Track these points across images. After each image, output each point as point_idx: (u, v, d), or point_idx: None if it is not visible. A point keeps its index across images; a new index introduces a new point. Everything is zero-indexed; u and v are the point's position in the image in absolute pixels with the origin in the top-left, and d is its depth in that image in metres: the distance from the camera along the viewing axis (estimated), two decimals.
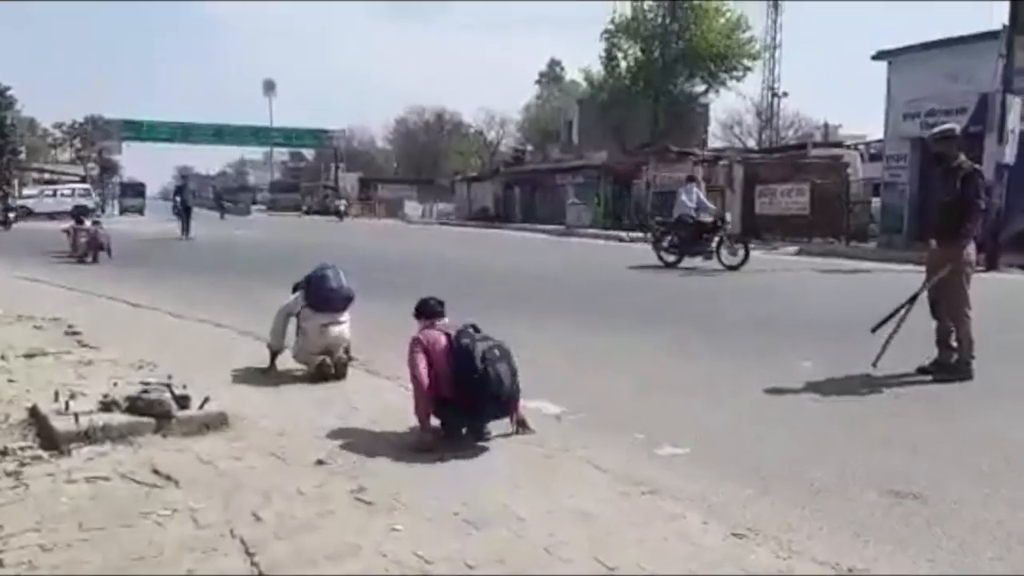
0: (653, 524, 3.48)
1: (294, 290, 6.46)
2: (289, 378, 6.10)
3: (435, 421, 4.62)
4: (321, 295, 6.20)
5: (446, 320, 4.90)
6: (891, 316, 6.60)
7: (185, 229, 25.08)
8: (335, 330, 6.17)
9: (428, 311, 4.93)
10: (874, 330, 6.51)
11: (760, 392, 6.04)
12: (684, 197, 17.31)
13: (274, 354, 6.35)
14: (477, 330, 4.70)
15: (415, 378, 4.58)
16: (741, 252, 16.28)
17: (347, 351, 6.29)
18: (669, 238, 17.25)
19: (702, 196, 18.03)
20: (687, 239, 16.74)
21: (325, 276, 6.26)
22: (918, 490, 4.03)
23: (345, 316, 6.29)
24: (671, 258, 16.99)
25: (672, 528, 3.44)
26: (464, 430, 4.66)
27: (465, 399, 4.52)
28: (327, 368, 6.02)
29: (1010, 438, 4.98)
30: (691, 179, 18.89)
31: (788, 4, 58.23)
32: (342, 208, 50.38)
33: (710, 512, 3.67)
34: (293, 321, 6.31)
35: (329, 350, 6.11)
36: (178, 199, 26.32)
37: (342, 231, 34.02)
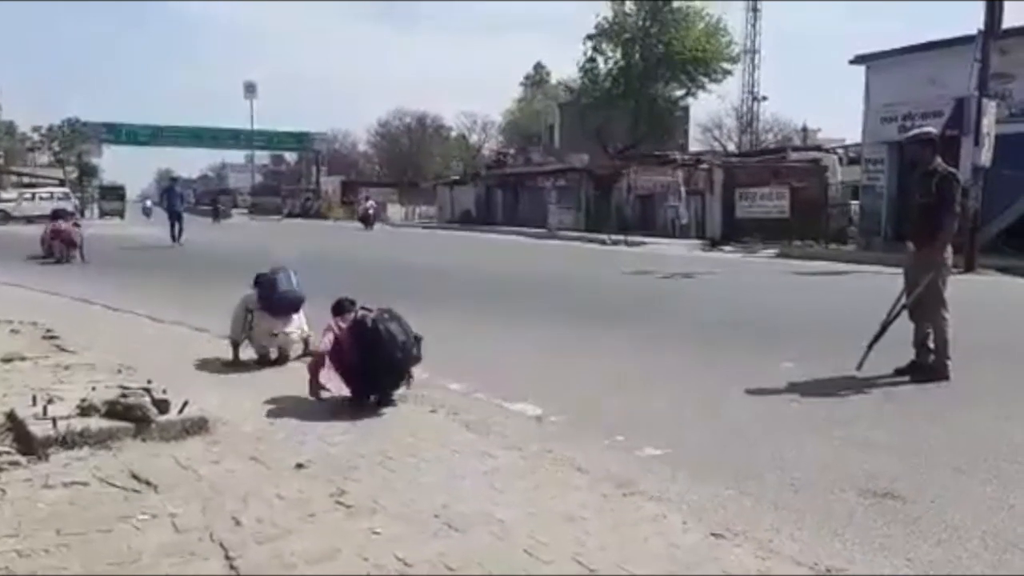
0: (634, 525, 3.49)
1: (255, 282, 6.79)
2: (267, 380, 6.09)
3: (346, 391, 5.39)
4: (272, 299, 6.56)
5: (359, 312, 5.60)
6: (884, 329, 6.65)
7: (174, 234, 23.58)
8: (282, 339, 6.61)
9: (341, 309, 5.70)
10: (870, 346, 6.54)
11: (741, 393, 6.07)
12: None
13: (235, 345, 6.71)
14: (370, 310, 5.50)
15: (315, 353, 5.63)
16: None
17: (307, 342, 6.68)
18: None
19: None
20: None
21: (276, 280, 6.60)
22: (897, 490, 4.06)
23: (296, 321, 6.64)
24: None
25: (653, 529, 3.45)
26: (372, 397, 5.34)
27: (367, 359, 5.24)
28: (269, 358, 6.61)
29: (987, 437, 5.03)
30: None
31: (767, 9, 58.78)
32: (371, 211, 40.03)
33: (690, 513, 3.68)
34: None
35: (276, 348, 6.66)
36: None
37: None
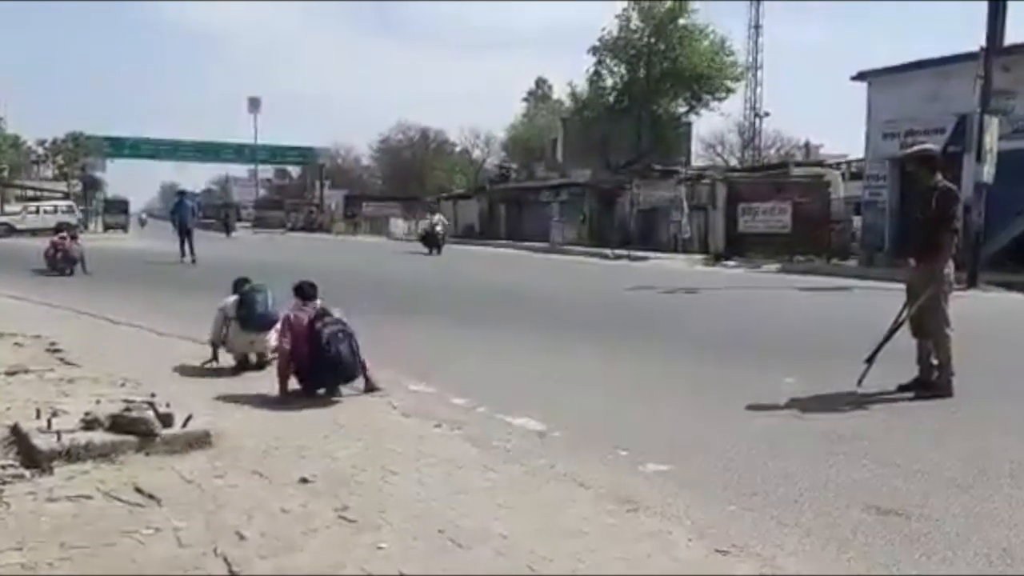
0: (637, 541, 3.49)
1: (234, 288, 7.29)
2: (265, 391, 6.10)
3: (296, 384, 6.06)
4: (250, 318, 7.00)
5: (317, 302, 6.26)
6: (882, 343, 6.65)
7: (185, 250, 22.00)
8: (259, 345, 7.07)
9: (303, 294, 6.29)
10: (869, 360, 6.53)
11: (742, 408, 6.07)
12: None
13: (215, 348, 7.15)
14: (329, 314, 6.10)
15: (280, 351, 6.11)
16: None
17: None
18: None
19: None
20: None
21: (255, 301, 7.06)
22: (900, 506, 4.06)
23: (271, 333, 6.92)
24: None
25: (656, 544, 3.45)
26: (321, 391, 6.00)
27: (318, 369, 5.96)
28: (248, 363, 7.07)
29: (990, 454, 5.02)
30: None
31: (771, 25, 58.97)
32: (439, 230, 29.67)
33: (694, 528, 3.68)
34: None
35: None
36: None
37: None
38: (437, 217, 31.88)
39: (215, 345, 7.15)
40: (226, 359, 7.15)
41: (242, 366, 7.07)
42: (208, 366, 7.08)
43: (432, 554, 3.28)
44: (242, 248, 31.83)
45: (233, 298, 7.14)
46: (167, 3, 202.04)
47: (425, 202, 57.10)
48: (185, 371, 6.99)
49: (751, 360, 8.13)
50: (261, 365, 7.05)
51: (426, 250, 29.27)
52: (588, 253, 29.05)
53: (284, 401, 5.93)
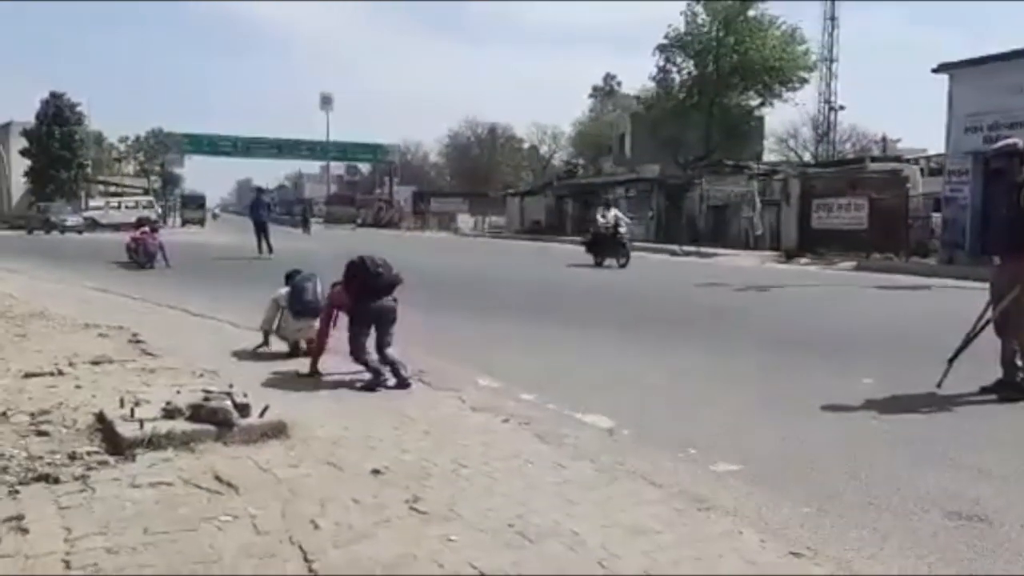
0: (709, 541, 3.44)
1: (287, 280, 7.64)
2: (345, 389, 6.20)
3: (364, 375, 6.33)
4: (299, 305, 7.37)
5: None
6: (965, 344, 6.44)
7: (260, 245, 22.59)
8: (308, 332, 7.30)
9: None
10: (951, 361, 6.33)
11: (818, 409, 5.94)
12: None
13: (266, 335, 7.60)
14: None
15: (321, 333, 6.67)
16: None
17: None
18: None
19: None
20: None
21: (304, 288, 7.44)
22: (983, 511, 3.93)
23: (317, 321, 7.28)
24: None
25: (728, 545, 3.40)
26: (390, 381, 6.20)
27: (359, 281, 6.40)
28: (299, 349, 7.41)
29: None
30: None
31: (848, 16, 57.51)
32: (623, 231, 20.55)
33: (767, 530, 3.62)
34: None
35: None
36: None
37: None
38: (612, 213, 21.27)
39: (267, 332, 7.58)
40: (279, 345, 7.55)
41: (294, 352, 7.42)
42: (260, 351, 7.53)
43: (502, 548, 3.29)
44: (321, 243, 31.77)
45: (286, 289, 7.50)
46: (241, 3, 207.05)
47: (490, 197, 57.12)
48: (259, 361, 7.15)
49: (826, 360, 7.95)
50: (310, 352, 7.14)
51: (592, 260, 20.90)
52: (656, 250, 28.78)
53: (310, 375, 6.56)
